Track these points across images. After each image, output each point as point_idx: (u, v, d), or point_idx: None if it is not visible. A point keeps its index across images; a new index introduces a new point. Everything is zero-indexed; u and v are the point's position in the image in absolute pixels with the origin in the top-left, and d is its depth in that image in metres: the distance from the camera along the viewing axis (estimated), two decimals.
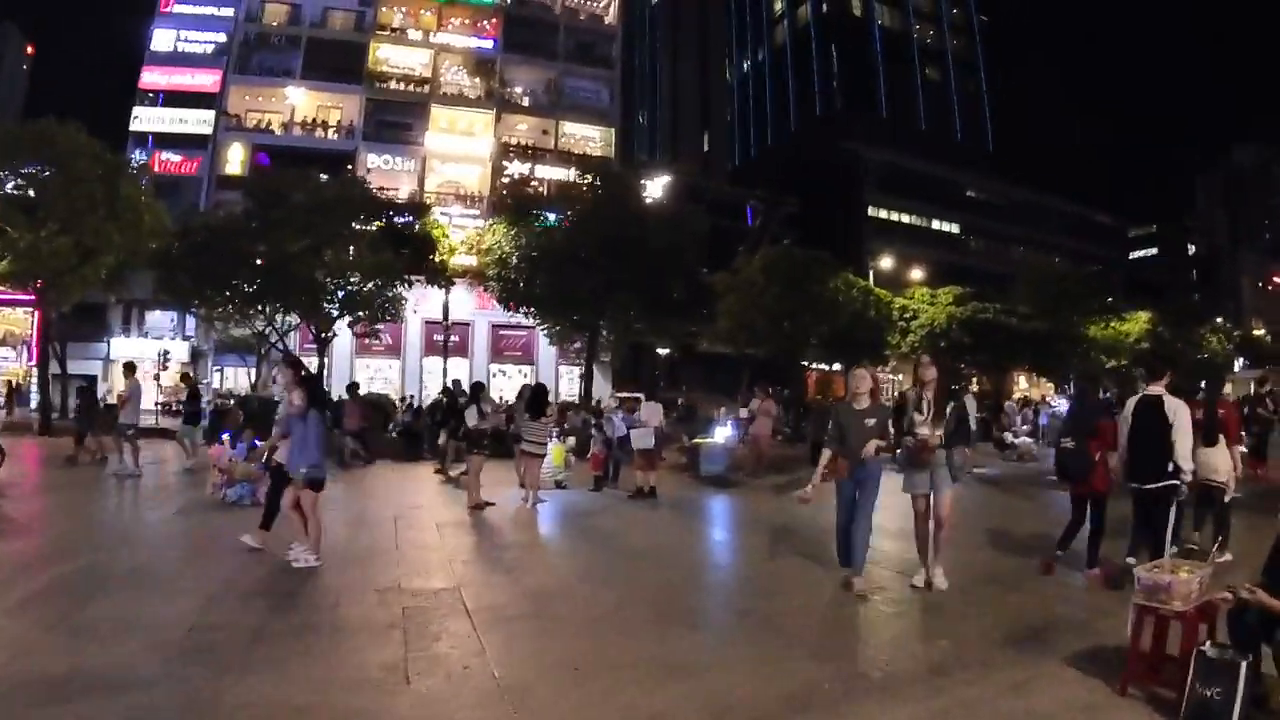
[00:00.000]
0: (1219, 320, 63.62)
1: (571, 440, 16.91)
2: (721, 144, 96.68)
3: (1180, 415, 6.83)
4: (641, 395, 19.07)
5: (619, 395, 21.74)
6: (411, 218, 29.72)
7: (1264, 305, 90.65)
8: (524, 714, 4.47)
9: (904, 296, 38.41)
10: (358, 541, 9.48)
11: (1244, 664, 4.08)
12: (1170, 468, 6.78)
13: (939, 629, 6.24)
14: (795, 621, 6.35)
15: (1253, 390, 22.77)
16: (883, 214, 59.52)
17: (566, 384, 39.47)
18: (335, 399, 20.34)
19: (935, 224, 63.03)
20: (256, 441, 12.05)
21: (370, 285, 25.89)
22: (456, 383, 18.69)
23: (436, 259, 29.42)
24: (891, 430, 7.16)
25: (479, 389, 13.29)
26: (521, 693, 4.73)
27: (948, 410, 7.09)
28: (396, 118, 43.61)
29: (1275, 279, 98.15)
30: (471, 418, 12.41)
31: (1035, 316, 36.96)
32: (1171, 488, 6.82)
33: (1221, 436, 8.47)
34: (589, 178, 29.54)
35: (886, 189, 59.42)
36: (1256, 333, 72.37)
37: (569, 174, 36.86)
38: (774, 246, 36.34)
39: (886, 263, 45.13)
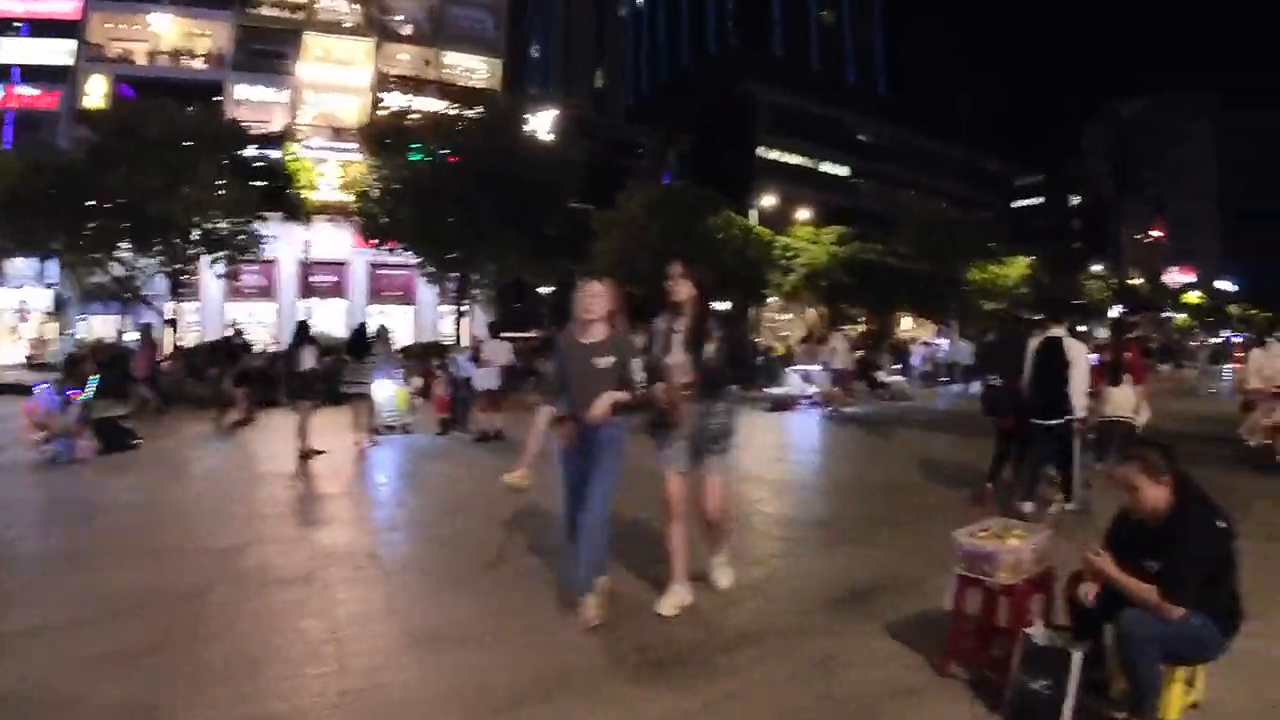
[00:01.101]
0: (1098, 268, 65.77)
1: (418, 381, 15.80)
2: (616, 81, 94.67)
3: (1078, 355, 7.24)
4: (484, 335, 18.12)
5: (504, 336, 20.81)
6: (272, 150, 27.73)
7: (1142, 255, 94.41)
8: (224, 696, 3.88)
9: (787, 235, 37.98)
10: (158, 497, 8.74)
11: (1078, 655, 3.28)
12: (1069, 405, 7.21)
13: (751, 591, 5.35)
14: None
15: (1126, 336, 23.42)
16: (774, 155, 58.79)
17: (450, 325, 37.95)
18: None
19: (825, 166, 62.59)
20: (69, 393, 11.34)
21: (227, 223, 24.10)
22: (235, 323, 17.41)
23: (296, 193, 27.57)
24: (641, 376, 4.83)
25: (305, 329, 12.20)
26: (240, 671, 4.15)
27: (712, 346, 4.86)
28: (269, 46, 40.30)
29: (1153, 232, 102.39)
30: (309, 359, 11.50)
31: (917, 259, 37.00)
32: (1070, 424, 7.26)
33: (1128, 376, 8.79)
34: (462, 109, 28.05)
35: (778, 130, 58.71)
36: (1134, 281, 75.00)
37: (448, 107, 35.01)
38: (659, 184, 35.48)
39: (775, 202, 44.55)
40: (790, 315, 45.95)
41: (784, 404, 17.15)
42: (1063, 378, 7.19)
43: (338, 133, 39.34)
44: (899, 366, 24.10)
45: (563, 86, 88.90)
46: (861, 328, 41.25)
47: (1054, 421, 7.24)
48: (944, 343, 28.26)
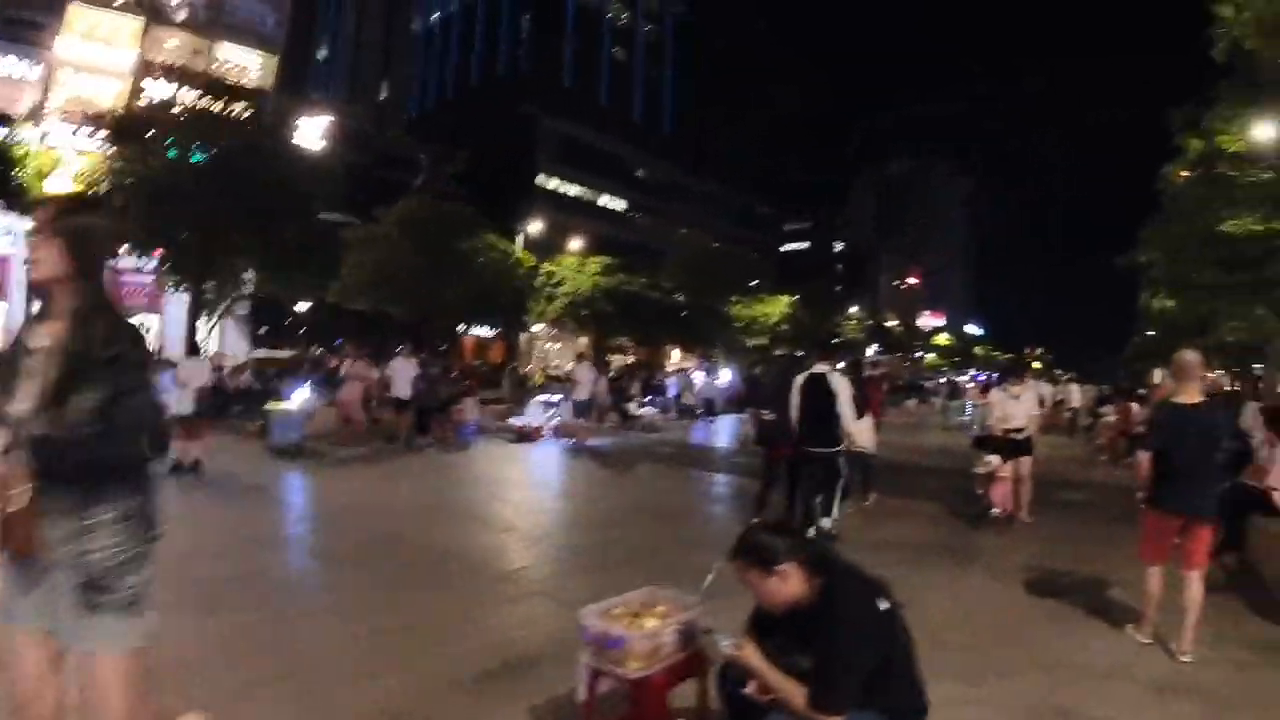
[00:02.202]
0: (855, 309, 70.25)
1: None
2: (401, 93, 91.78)
3: (843, 390, 7.71)
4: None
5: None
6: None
7: (898, 301, 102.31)
8: None
9: (552, 263, 37.72)
10: None
11: None
12: (838, 435, 7.72)
13: (400, 661, 4.57)
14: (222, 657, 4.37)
15: (865, 374, 24.76)
16: (553, 183, 58.86)
17: (202, 337, 34.70)
18: None
19: (603, 199, 63.46)
20: None
21: None
22: None
23: (18, 181, 24.49)
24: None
25: None
26: None
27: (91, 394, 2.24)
28: (28, 14, 35.73)
29: (908, 279, 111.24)
30: None
31: (681, 291, 37.66)
32: (839, 453, 7.81)
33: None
34: (226, 104, 25.90)
35: (559, 159, 58.83)
36: (889, 323, 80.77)
37: (202, 98, 32.21)
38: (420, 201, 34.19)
39: (549, 230, 44.40)
40: (558, 344, 45.78)
41: (527, 435, 16.52)
42: (831, 410, 7.64)
43: (91, 118, 35.58)
44: (650, 398, 24.07)
45: (347, 94, 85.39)
46: (629, 359, 41.64)
47: (828, 450, 7.73)
48: (701, 375, 28.66)
